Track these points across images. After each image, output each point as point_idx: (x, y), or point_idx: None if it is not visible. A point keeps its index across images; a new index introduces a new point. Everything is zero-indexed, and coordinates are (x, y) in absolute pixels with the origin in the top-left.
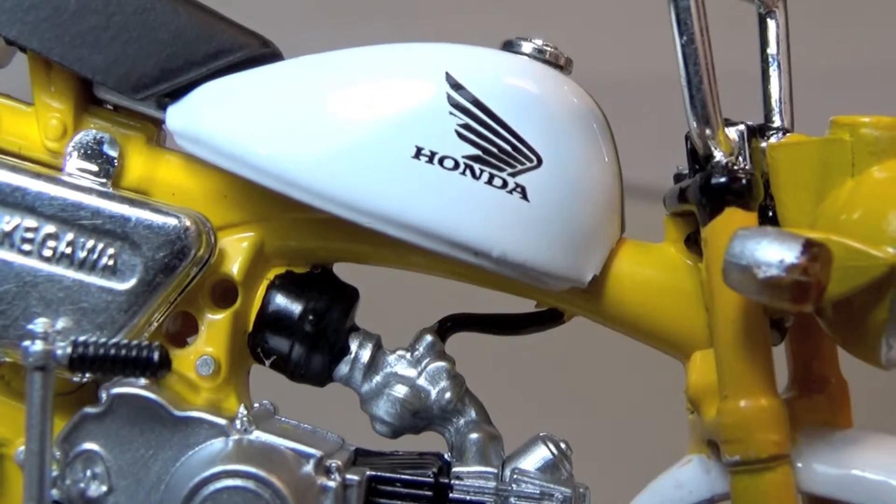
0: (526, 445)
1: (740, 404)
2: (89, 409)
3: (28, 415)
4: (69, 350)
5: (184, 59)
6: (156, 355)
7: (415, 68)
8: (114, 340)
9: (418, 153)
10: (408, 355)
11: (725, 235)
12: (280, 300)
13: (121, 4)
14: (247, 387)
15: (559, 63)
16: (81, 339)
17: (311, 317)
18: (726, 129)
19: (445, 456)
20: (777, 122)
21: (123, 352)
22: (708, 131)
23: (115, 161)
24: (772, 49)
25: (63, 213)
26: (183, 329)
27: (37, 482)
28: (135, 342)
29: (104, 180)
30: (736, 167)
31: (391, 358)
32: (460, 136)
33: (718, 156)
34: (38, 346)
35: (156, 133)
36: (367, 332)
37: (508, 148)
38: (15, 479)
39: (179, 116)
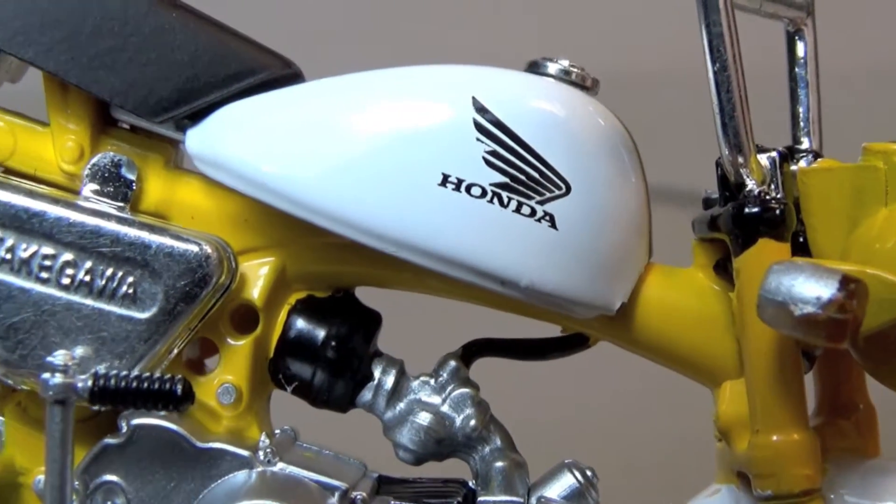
0: (551, 473)
1: (772, 438)
2: (109, 440)
3: (47, 448)
4: (90, 383)
5: (203, 80)
6: (179, 388)
7: (440, 93)
8: (135, 373)
9: (445, 181)
10: (431, 381)
11: (759, 268)
12: (302, 325)
13: (138, 25)
14: (268, 413)
15: (585, 84)
16: (102, 371)
17: (333, 342)
18: (758, 156)
19: (470, 483)
20: (806, 144)
21: (146, 384)
22: (740, 159)
23: (133, 184)
24: (800, 68)
25: (82, 240)
26: (201, 354)
27: None
28: (157, 375)
29: (122, 204)
30: (769, 196)
31: (415, 384)
32: (488, 163)
33: (750, 184)
34: (58, 378)
35: (174, 154)
36: (390, 357)
37: (536, 175)
38: None
39: (199, 140)
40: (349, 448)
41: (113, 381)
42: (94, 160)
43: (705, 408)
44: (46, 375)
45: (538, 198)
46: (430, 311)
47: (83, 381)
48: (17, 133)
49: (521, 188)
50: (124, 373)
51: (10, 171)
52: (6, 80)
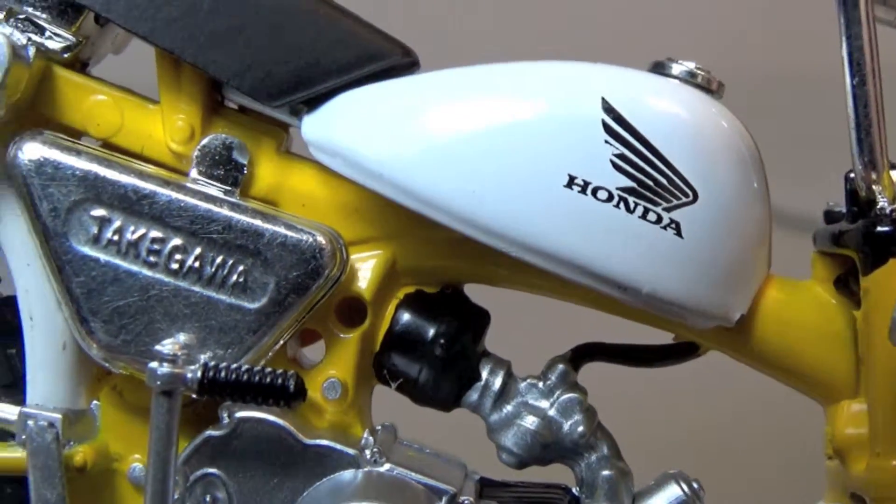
0: (657, 483)
1: (893, 463)
2: (212, 432)
3: (151, 439)
4: (199, 374)
5: (323, 66)
6: (292, 384)
7: (568, 91)
8: (247, 366)
9: (571, 182)
10: (539, 384)
11: (890, 289)
12: (410, 321)
13: (258, 6)
14: (370, 408)
15: (711, 87)
16: (212, 363)
17: (442, 340)
18: (891, 173)
19: (573, 490)
20: None
21: (257, 378)
22: (873, 175)
23: (245, 168)
24: None
25: (193, 225)
26: (302, 345)
27: None
28: (269, 369)
29: (231, 188)
30: None
31: (522, 386)
32: (615, 166)
33: (882, 202)
34: (166, 368)
35: (285, 139)
36: (497, 357)
37: (664, 181)
38: (128, 496)
39: (316, 126)
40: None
41: (223, 374)
42: (204, 141)
43: (814, 423)
44: (154, 365)
45: (665, 204)
46: (528, 311)
47: (192, 372)
48: (124, 109)
49: (648, 194)
50: (234, 365)
51: (115, 148)
52: (109, 52)
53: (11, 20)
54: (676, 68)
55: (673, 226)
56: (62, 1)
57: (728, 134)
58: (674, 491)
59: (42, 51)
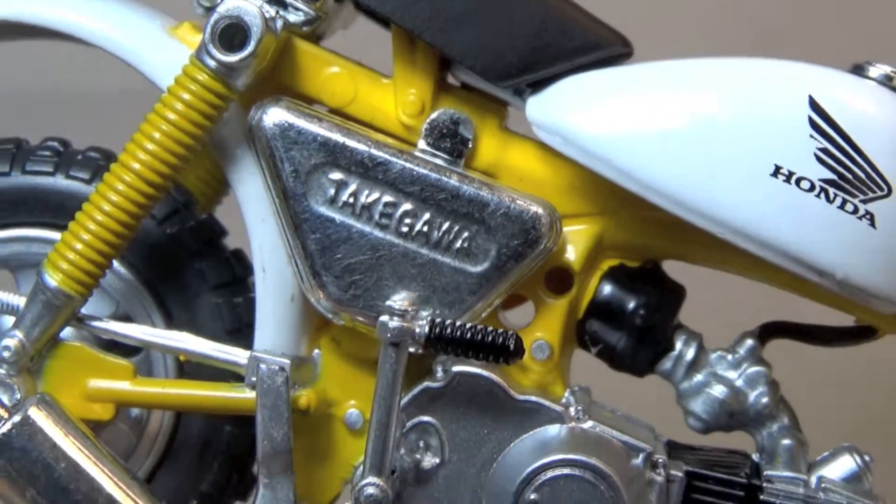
0: (832, 454)
1: None
2: (430, 384)
3: (378, 386)
4: (427, 329)
5: (549, 51)
6: (512, 343)
7: (778, 88)
8: (470, 324)
9: (777, 171)
10: (728, 357)
11: None
12: (613, 292)
13: None
14: (568, 371)
15: None
16: (438, 319)
17: (642, 311)
18: None
19: (754, 457)
20: None
21: (480, 336)
22: None
23: (469, 142)
24: None
25: (423, 192)
26: (504, 309)
27: (380, 451)
28: (491, 328)
29: (456, 160)
30: None
31: (713, 357)
32: (819, 159)
33: None
34: (397, 322)
35: (505, 117)
36: (691, 330)
37: (862, 175)
38: (343, 439)
39: (540, 107)
40: None
41: (449, 330)
42: (434, 115)
43: None
44: (385, 318)
45: (861, 196)
46: (715, 288)
47: (420, 328)
48: (358, 81)
49: (847, 186)
50: (459, 322)
51: (345, 117)
52: (339, 28)
53: None
54: (874, 71)
55: (868, 217)
56: None
57: None
58: (848, 463)
59: (286, 23)
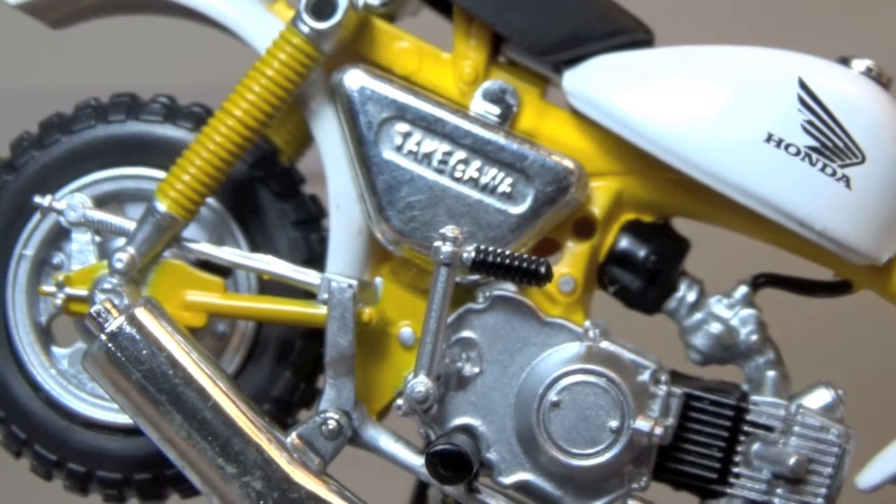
0: (809, 387)
1: None
2: (473, 305)
3: (430, 300)
4: (473, 255)
5: (585, 34)
6: (543, 268)
7: (773, 71)
8: (509, 252)
9: (769, 138)
10: (725, 300)
11: None
12: (630, 241)
13: None
14: (589, 308)
15: (882, 81)
16: (482, 246)
17: (653, 258)
18: None
19: (743, 387)
20: None
21: (517, 262)
22: None
23: (514, 108)
24: None
25: (475, 144)
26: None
27: (430, 354)
28: (526, 255)
29: (502, 122)
30: None
31: (711, 300)
32: (805, 129)
33: None
34: (448, 247)
35: (545, 89)
36: (693, 276)
37: (841, 145)
38: (396, 355)
39: (576, 80)
40: None
41: (491, 256)
42: (486, 84)
43: None
44: (439, 243)
45: (839, 162)
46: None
47: (468, 252)
48: (423, 55)
49: (827, 153)
50: (499, 250)
51: (412, 83)
52: (408, 15)
53: None
54: (857, 63)
55: (844, 179)
56: None
57: (892, 116)
58: (824, 395)
59: (366, 3)
